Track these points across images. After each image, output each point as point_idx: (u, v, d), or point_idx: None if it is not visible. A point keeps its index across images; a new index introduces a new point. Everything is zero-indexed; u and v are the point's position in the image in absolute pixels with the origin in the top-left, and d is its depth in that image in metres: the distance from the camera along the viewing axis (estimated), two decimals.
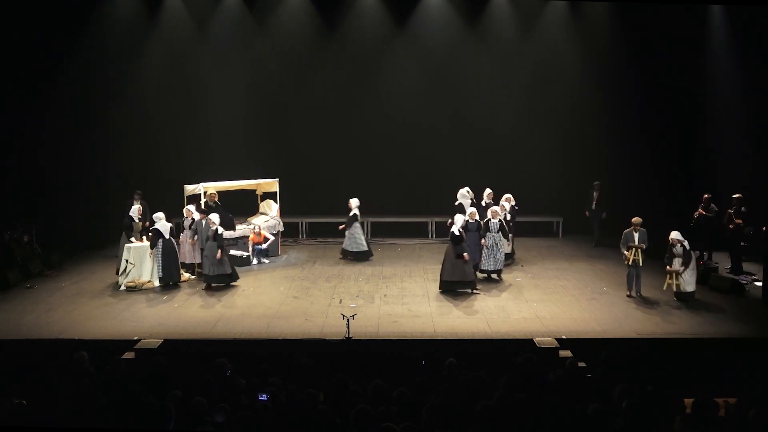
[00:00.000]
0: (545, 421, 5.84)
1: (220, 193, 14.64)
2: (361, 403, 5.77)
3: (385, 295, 12.16)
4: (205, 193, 14.23)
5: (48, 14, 15.33)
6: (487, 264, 12.80)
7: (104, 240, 15.19)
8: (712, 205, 13.91)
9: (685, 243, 11.42)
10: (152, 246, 12.48)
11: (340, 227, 14.91)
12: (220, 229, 12.44)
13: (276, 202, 15.50)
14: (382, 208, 17.47)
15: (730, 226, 13.47)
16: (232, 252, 14.31)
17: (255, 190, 15.66)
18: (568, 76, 17.35)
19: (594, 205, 16.07)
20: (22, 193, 15.73)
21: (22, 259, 13.62)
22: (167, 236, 12.55)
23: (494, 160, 17.43)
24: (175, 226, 13.18)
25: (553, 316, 10.91)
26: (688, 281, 11.46)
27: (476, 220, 12.72)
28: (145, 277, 12.63)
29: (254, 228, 14.58)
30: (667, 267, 11.58)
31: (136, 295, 12.09)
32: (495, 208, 13.02)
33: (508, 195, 14.15)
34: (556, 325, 10.47)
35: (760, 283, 12.32)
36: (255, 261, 14.43)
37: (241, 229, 14.57)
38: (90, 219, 15.93)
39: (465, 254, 11.95)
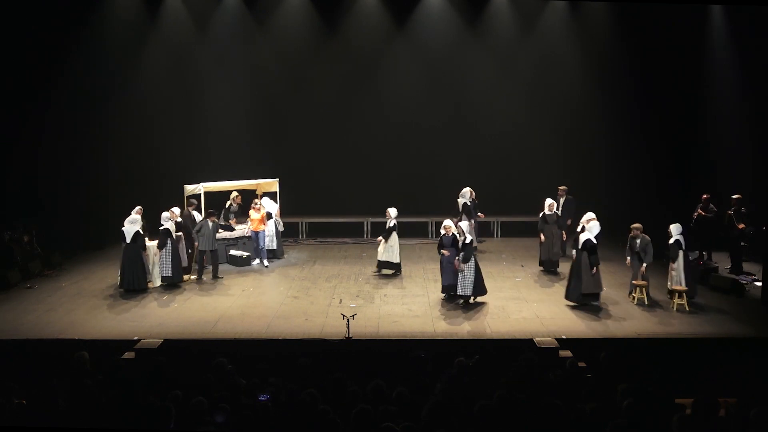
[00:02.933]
0: (545, 421, 5.84)
1: (219, 193, 14.67)
2: (361, 403, 5.77)
3: (385, 295, 12.15)
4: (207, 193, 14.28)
5: (48, 14, 15.33)
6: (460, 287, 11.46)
7: (104, 240, 15.18)
8: (711, 205, 13.90)
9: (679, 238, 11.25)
10: (161, 246, 12.39)
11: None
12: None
13: (276, 202, 15.49)
14: (382, 208, 17.43)
15: (737, 228, 13.43)
16: (232, 252, 14.32)
17: (255, 190, 15.65)
18: (568, 76, 17.37)
19: (560, 212, 14.51)
20: (22, 193, 15.73)
21: (22, 259, 13.62)
22: (174, 236, 12.61)
23: (494, 159, 17.44)
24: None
25: (553, 316, 10.91)
26: (677, 279, 11.27)
27: (453, 234, 11.77)
28: None
29: (256, 204, 14.28)
30: (669, 284, 11.44)
31: (136, 295, 12.08)
32: (447, 222, 11.99)
33: (591, 217, 11.77)
34: (556, 325, 10.47)
35: (760, 283, 12.32)
36: (256, 261, 14.37)
37: (241, 229, 14.56)
38: (90, 219, 15.93)
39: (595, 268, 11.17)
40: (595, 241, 11.23)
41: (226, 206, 14.52)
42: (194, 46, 17.31)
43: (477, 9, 17.43)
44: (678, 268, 11.29)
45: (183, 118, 17.23)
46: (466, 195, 14.93)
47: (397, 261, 13.49)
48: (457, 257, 11.43)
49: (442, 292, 11.89)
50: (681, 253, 11.28)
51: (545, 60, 17.46)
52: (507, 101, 17.44)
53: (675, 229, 11.41)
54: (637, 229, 11.65)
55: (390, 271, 13.57)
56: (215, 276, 13.17)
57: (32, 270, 13.40)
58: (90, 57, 16.27)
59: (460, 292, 11.42)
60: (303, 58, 17.52)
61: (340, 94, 17.65)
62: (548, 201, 13.76)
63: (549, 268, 13.54)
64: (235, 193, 14.57)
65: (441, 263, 11.82)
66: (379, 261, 13.58)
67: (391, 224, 13.33)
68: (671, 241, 11.35)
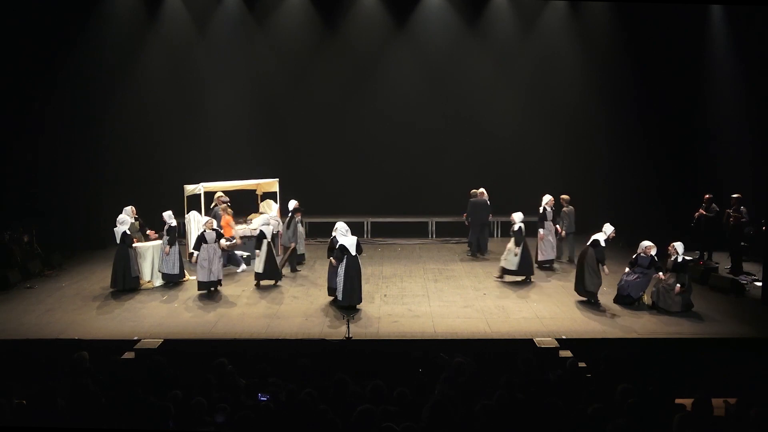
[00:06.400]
0: (545, 421, 5.84)
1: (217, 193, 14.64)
2: (362, 403, 5.78)
3: (385, 295, 12.16)
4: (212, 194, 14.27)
5: (48, 14, 15.34)
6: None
7: (104, 240, 15.16)
8: (713, 205, 13.90)
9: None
10: (171, 243, 12.43)
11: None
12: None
13: (276, 202, 15.49)
14: (382, 208, 17.48)
15: (730, 219, 13.46)
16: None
17: (255, 190, 15.66)
18: (568, 76, 17.37)
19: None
20: (22, 193, 15.72)
21: (22, 259, 13.61)
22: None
23: (494, 159, 17.44)
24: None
25: (553, 316, 10.91)
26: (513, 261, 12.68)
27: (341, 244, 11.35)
28: (146, 277, 12.64)
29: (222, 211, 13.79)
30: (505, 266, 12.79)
31: (136, 295, 12.08)
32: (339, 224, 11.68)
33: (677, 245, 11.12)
34: (556, 325, 10.46)
35: (760, 283, 12.32)
36: (242, 267, 13.89)
37: (240, 229, 14.54)
38: (90, 219, 15.92)
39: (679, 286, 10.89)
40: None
41: (211, 207, 14.34)
42: (194, 46, 17.32)
43: (477, 9, 17.43)
44: (519, 252, 12.60)
45: (183, 118, 17.23)
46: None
47: (260, 271, 12.55)
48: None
49: (330, 294, 11.73)
50: (522, 240, 12.58)
51: (545, 60, 17.46)
52: (507, 101, 17.45)
53: (517, 217, 12.79)
54: (564, 200, 13.82)
55: (269, 281, 12.79)
56: (293, 270, 13.71)
57: (32, 270, 13.39)
58: (90, 57, 16.26)
59: (338, 295, 11.28)
60: (303, 58, 17.53)
61: (340, 94, 17.65)
62: (608, 228, 11.72)
63: (591, 299, 11.59)
64: (219, 193, 14.26)
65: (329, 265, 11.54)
66: (255, 273, 12.80)
67: (257, 233, 12.67)
68: (515, 228, 12.66)
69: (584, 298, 11.59)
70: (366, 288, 12.60)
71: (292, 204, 14.06)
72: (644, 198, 16.69)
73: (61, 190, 16.26)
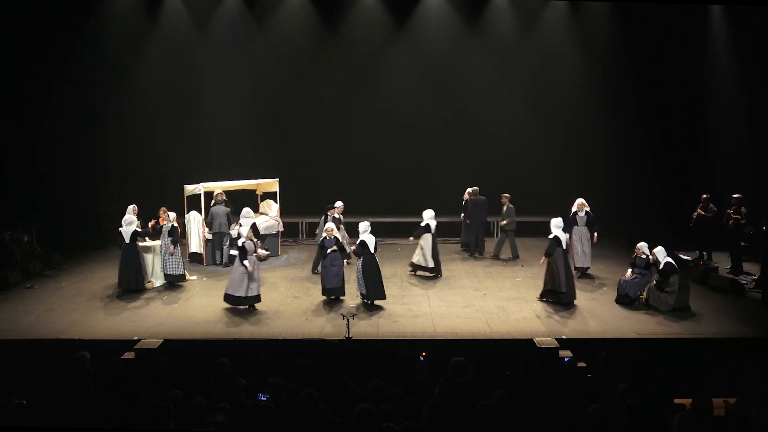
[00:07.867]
0: (545, 421, 5.84)
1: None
2: (362, 403, 5.78)
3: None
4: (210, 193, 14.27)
5: (48, 14, 15.33)
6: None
7: (104, 240, 15.17)
8: (711, 205, 13.90)
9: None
10: (175, 243, 12.41)
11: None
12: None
13: (276, 202, 15.49)
14: (382, 208, 17.46)
15: (729, 222, 13.47)
16: (233, 252, 14.29)
17: (255, 190, 15.66)
18: (568, 76, 17.36)
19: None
20: (22, 193, 15.73)
21: (22, 259, 13.61)
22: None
23: (494, 159, 17.43)
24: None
25: (553, 316, 10.91)
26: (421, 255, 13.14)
27: (335, 237, 11.58)
28: (146, 277, 12.63)
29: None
30: (416, 259, 13.30)
31: (137, 295, 12.08)
32: (330, 225, 11.93)
33: (661, 249, 11.31)
34: (556, 325, 10.47)
35: (754, 284, 12.35)
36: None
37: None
38: (90, 219, 15.92)
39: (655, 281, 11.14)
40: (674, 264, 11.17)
41: (211, 204, 14.28)
42: (194, 46, 17.30)
43: (477, 9, 17.41)
44: (425, 248, 13.12)
45: (183, 118, 17.21)
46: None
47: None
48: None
49: (323, 294, 11.63)
50: (430, 236, 13.05)
51: (545, 60, 17.45)
52: (507, 101, 17.44)
53: (426, 214, 13.17)
54: (505, 197, 14.48)
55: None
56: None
57: (32, 270, 13.40)
58: (90, 57, 16.26)
59: (362, 291, 11.33)
60: (303, 58, 17.51)
61: (340, 93, 17.64)
62: (559, 221, 12.11)
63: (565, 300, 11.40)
64: (218, 191, 14.23)
65: (325, 266, 11.51)
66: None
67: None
68: (422, 224, 13.05)
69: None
70: None
71: (338, 204, 14.14)
72: (644, 198, 16.69)
73: (61, 190, 16.25)
